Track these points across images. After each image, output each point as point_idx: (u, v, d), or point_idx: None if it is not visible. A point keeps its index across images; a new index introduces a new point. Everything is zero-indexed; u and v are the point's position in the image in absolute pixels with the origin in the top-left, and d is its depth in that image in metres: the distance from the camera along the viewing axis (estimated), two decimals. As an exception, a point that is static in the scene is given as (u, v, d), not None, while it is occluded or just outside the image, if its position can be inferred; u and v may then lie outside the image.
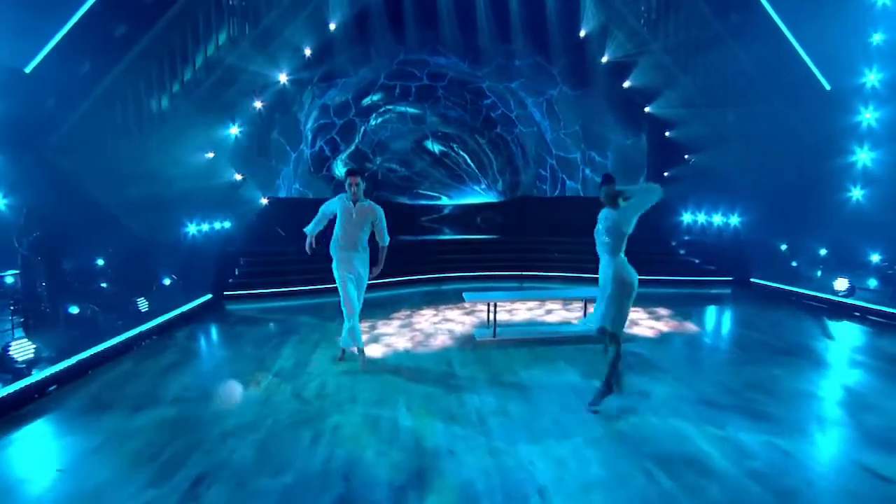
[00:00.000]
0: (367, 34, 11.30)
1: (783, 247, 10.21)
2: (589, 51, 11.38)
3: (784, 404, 4.06)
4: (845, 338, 6.30)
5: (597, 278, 4.05)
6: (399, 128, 15.30)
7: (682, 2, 10.36)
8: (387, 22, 11.32)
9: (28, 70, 7.52)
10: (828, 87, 10.28)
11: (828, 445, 3.47)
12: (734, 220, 10.60)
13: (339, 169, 15.22)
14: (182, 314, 6.82)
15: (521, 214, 14.51)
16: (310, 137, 14.15)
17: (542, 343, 5.76)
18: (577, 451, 3.36)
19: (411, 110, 15.04)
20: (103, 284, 6.84)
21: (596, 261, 4.05)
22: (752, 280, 9.26)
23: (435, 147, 15.75)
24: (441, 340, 5.82)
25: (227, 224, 9.74)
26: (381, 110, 14.88)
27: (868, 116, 10.07)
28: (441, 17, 11.51)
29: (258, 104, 10.29)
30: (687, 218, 11.58)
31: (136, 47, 8.26)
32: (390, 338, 6.00)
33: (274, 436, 3.59)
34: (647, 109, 11.62)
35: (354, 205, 4.83)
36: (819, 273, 9.13)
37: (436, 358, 5.30)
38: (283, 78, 10.26)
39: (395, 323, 6.67)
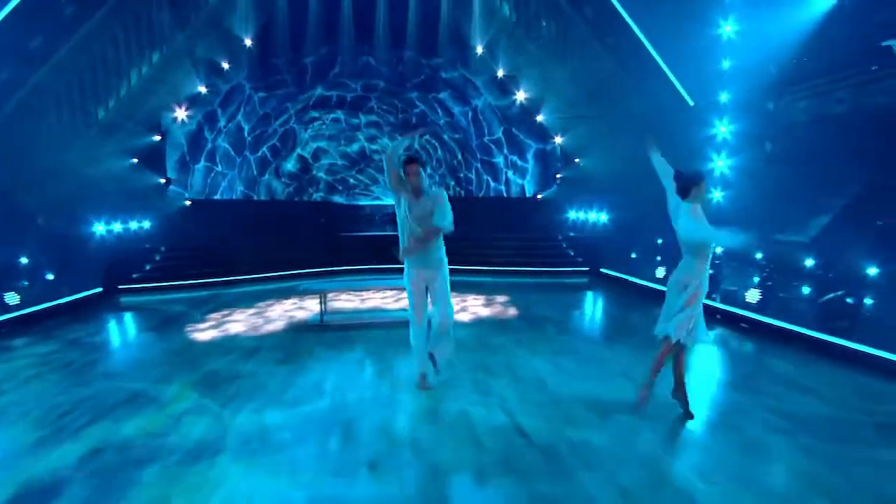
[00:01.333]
0: (302, 48, 11.47)
1: (659, 240, 10.57)
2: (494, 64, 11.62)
3: (491, 377, 4.25)
4: (634, 317, 6.62)
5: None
6: (336, 134, 15.43)
7: (562, 19, 10.62)
8: (317, 37, 11.46)
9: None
10: (692, 104, 10.66)
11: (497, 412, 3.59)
12: (603, 217, 11.07)
13: (290, 166, 15.29)
14: (57, 306, 6.82)
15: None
16: (253, 144, 14.28)
17: (366, 327, 5.94)
18: (288, 419, 3.54)
19: (347, 118, 15.18)
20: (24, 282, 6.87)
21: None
22: (601, 270, 9.72)
23: (370, 152, 15.91)
24: (275, 326, 6.00)
25: (145, 224, 9.78)
26: (319, 118, 14.99)
27: (723, 130, 10.40)
28: (360, 32, 11.63)
29: (183, 112, 10.33)
30: (572, 215, 12.01)
31: (56, 55, 8.22)
32: (233, 324, 6.17)
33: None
34: (539, 119, 11.86)
35: (417, 198, 3.79)
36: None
37: (253, 341, 5.46)
38: (201, 89, 10.31)
39: (251, 311, 6.83)
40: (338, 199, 15.57)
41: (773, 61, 9.37)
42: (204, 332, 5.80)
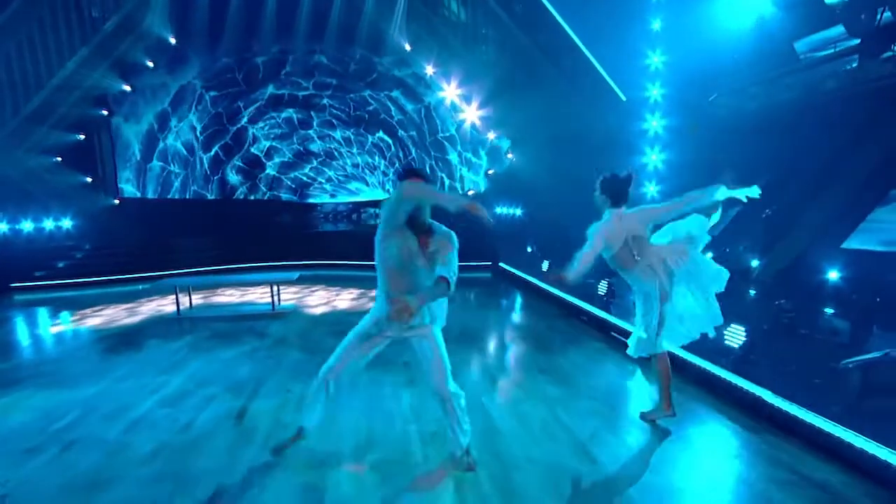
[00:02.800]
0: (252, 47, 11.78)
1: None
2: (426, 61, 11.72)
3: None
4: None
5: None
6: (288, 132, 15.72)
7: (497, 25, 10.75)
8: (265, 35, 11.73)
9: None
10: (624, 98, 10.66)
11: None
12: (518, 211, 11.28)
13: (243, 164, 15.66)
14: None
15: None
16: (206, 143, 14.68)
17: (216, 321, 6.08)
18: (47, 403, 3.69)
19: (300, 116, 15.45)
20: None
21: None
22: (499, 265, 9.93)
23: (323, 150, 16.18)
24: (133, 319, 6.21)
25: (65, 222, 10.09)
26: (272, 117, 15.30)
27: (655, 124, 10.39)
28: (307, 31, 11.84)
29: (104, 112, 10.68)
30: (498, 210, 12.13)
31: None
32: (94, 318, 6.40)
33: None
34: (472, 116, 11.96)
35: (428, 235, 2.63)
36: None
37: (96, 333, 5.67)
38: (126, 87, 10.65)
39: (126, 306, 7.06)
40: (292, 198, 15.91)
41: (701, 57, 9.32)
42: (58, 326, 6.03)
